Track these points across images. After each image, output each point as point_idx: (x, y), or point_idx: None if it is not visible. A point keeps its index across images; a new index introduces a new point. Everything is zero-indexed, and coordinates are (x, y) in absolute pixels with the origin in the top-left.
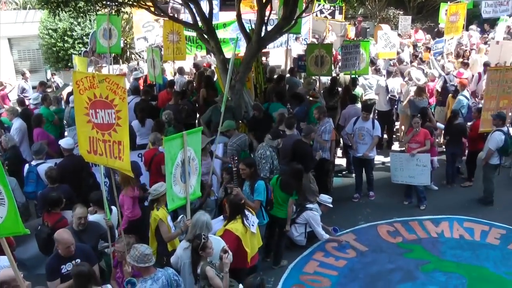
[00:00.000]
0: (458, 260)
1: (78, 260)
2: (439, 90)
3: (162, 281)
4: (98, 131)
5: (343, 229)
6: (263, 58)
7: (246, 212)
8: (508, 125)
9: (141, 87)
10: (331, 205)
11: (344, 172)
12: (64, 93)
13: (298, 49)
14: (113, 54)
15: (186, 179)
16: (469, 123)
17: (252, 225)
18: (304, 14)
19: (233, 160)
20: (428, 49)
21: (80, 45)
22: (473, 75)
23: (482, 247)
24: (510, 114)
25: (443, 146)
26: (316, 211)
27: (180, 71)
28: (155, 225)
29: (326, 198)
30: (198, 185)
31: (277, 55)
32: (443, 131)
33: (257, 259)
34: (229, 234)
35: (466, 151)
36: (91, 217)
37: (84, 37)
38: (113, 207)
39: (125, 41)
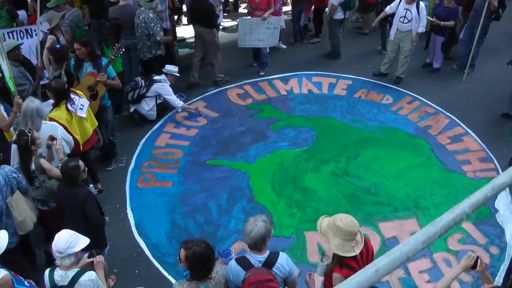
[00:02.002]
0: (307, 114)
1: None
2: None
3: None
4: None
5: (192, 98)
6: None
7: (73, 96)
8: None
9: None
10: (177, 74)
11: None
12: None
13: None
14: None
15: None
16: None
17: (80, 109)
18: None
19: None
20: None
21: None
22: None
23: (330, 99)
24: None
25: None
26: (165, 82)
27: None
28: None
29: (172, 68)
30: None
31: None
32: None
33: (96, 141)
34: (55, 121)
35: (312, 8)
36: None
37: None
38: None
39: None
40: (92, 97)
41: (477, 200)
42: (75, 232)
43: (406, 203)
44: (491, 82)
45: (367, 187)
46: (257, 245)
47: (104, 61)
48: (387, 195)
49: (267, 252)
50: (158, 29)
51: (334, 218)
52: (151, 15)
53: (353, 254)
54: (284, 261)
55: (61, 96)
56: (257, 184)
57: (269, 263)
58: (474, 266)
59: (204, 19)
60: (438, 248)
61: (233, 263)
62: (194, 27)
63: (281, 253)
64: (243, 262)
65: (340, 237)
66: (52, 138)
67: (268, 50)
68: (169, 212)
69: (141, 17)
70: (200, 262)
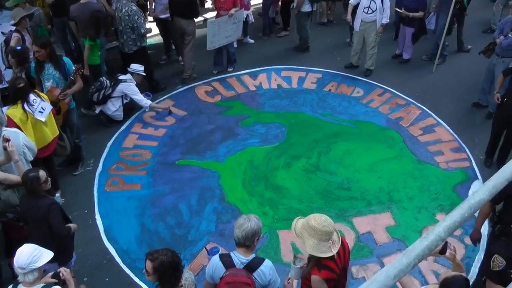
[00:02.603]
0: (276, 109)
1: None
2: None
3: None
4: None
5: (160, 96)
6: None
7: (34, 97)
8: None
9: None
10: (143, 73)
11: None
12: None
13: None
14: None
15: None
16: None
17: (40, 112)
18: None
19: None
20: None
21: None
22: None
23: (300, 93)
24: None
25: None
26: (131, 81)
27: None
28: None
29: (137, 67)
30: None
31: None
32: None
33: (53, 149)
34: (9, 119)
35: (280, 2)
36: None
37: None
38: None
39: None
40: (56, 111)
41: (453, 222)
42: (37, 246)
43: (380, 197)
44: (462, 71)
45: (339, 182)
46: (246, 240)
47: (66, 60)
48: (360, 190)
49: (253, 255)
50: (142, 21)
51: (308, 219)
52: (134, 7)
53: (330, 254)
54: (267, 269)
55: (18, 95)
56: (227, 183)
57: (251, 267)
58: (442, 252)
59: (185, 10)
60: (413, 241)
61: (216, 258)
62: (173, 20)
63: (266, 260)
64: (226, 259)
65: (315, 237)
66: (6, 140)
67: (236, 46)
68: (139, 216)
69: (123, 10)
70: (169, 271)
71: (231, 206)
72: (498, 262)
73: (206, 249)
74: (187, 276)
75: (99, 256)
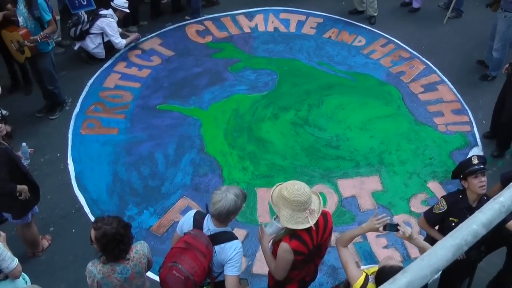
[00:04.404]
0: (270, 55)
1: None
2: None
3: None
4: None
5: (147, 34)
6: None
7: None
8: None
9: None
10: (127, 10)
11: None
12: None
13: None
14: None
15: None
16: None
17: None
18: None
19: None
20: None
21: None
22: None
23: (297, 39)
24: None
25: None
26: (112, 18)
27: None
28: None
29: (121, 2)
30: None
31: None
32: None
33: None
34: None
35: None
36: None
37: None
38: None
39: None
40: (20, 50)
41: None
42: None
43: (370, 158)
44: (474, 25)
45: (328, 139)
46: (219, 217)
47: (40, 2)
48: (350, 149)
49: (225, 228)
50: None
51: (281, 187)
52: None
53: (306, 225)
54: (230, 249)
55: None
56: (209, 133)
57: (215, 239)
58: (387, 228)
59: None
60: (399, 209)
61: (192, 212)
62: None
63: (237, 241)
64: (198, 218)
65: (289, 207)
66: None
67: None
68: (112, 163)
69: None
70: (112, 243)
71: (209, 158)
72: (440, 205)
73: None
74: (139, 248)
75: (68, 205)
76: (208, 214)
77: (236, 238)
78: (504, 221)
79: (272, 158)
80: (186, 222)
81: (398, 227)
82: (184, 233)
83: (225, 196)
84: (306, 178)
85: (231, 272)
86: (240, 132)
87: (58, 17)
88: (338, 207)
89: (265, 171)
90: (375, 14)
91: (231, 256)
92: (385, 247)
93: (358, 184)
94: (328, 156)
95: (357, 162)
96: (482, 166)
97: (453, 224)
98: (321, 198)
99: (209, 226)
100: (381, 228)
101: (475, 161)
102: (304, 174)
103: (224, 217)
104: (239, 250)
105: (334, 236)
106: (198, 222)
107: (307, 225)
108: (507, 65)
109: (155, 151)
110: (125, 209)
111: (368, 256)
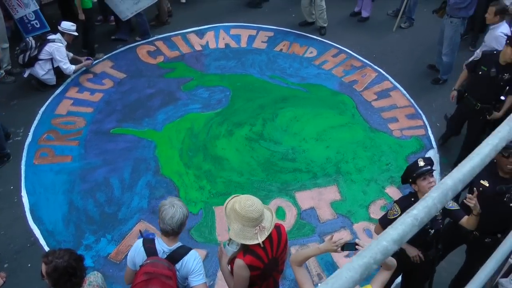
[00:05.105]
0: (222, 71)
1: None
2: None
3: None
4: None
5: (101, 54)
6: None
7: None
8: None
9: None
10: (75, 33)
11: None
12: None
13: None
14: None
15: None
16: None
17: None
18: None
19: None
20: None
21: None
22: None
23: (248, 54)
24: None
25: None
26: (60, 42)
27: None
28: None
29: (69, 26)
30: None
31: None
32: None
33: None
34: None
35: None
36: None
37: None
38: None
39: None
40: None
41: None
42: None
43: (326, 169)
44: (423, 31)
45: (284, 153)
46: (178, 230)
47: None
48: (306, 161)
49: (178, 244)
50: None
51: (234, 201)
52: None
53: (254, 242)
54: (191, 260)
55: None
56: (164, 154)
57: (174, 258)
58: (346, 248)
59: None
60: (359, 217)
61: (140, 243)
62: None
63: (193, 251)
64: (149, 246)
65: (239, 222)
66: None
67: (184, 0)
68: (67, 192)
69: None
70: (64, 277)
71: (165, 179)
72: (394, 210)
73: (141, 232)
74: (92, 279)
75: (23, 239)
76: (155, 238)
77: (191, 248)
78: (457, 218)
79: (229, 175)
80: (137, 255)
81: (357, 246)
82: (140, 266)
83: (175, 208)
84: (264, 193)
85: (198, 281)
86: (195, 151)
87: (6, 45)
88: (297, 220)
89: (222, 188)
90: (325, 25)
91: (193, 268)
92: (347, 256)
93: (316, 195)
94: (285, 170)
95: (314, 173)
96: (429, 167)
97: None
98: (274, 215)
99: (163, 247)
100: (339, 249)
101: (421, 163)
102: (261, 189)
103: (179, 229)
104: (198, 259)
105: (294, 249)
106: (150, 249)
107: (255, 242)
108: (454, 92)
109: (110, 176)
110: (81, 238)
111: (330, 267)
